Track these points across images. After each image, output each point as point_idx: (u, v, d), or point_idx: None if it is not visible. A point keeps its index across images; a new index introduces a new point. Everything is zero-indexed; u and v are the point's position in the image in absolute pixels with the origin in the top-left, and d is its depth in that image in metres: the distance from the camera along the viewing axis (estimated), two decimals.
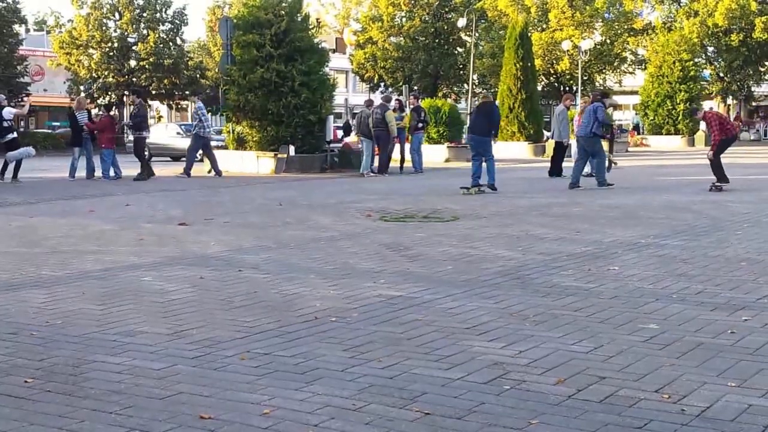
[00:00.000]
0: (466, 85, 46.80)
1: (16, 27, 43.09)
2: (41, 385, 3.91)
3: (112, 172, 18.36)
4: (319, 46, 22.05)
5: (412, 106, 21.76)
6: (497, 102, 31.88)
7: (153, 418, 3.46)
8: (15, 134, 17.93)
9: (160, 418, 3.46)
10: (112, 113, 19.83)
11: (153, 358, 4.34)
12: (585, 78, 43.52)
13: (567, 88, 46.52)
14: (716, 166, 14.11)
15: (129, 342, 4.65)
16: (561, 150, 18.30)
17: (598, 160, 14.95)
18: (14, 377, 4.03)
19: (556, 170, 17.94)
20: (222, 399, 3.69)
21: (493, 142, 14.71)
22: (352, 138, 25.94)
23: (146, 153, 19.69)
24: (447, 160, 25.21)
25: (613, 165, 17.17)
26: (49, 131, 41.88)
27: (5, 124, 17.21)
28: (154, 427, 3.36)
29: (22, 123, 47.37)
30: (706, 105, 39.12)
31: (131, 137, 19.34)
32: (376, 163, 19.98)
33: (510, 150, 28.39)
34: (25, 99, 19.35)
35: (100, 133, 18.32)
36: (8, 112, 17.62)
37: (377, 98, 29.71)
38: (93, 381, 3.96)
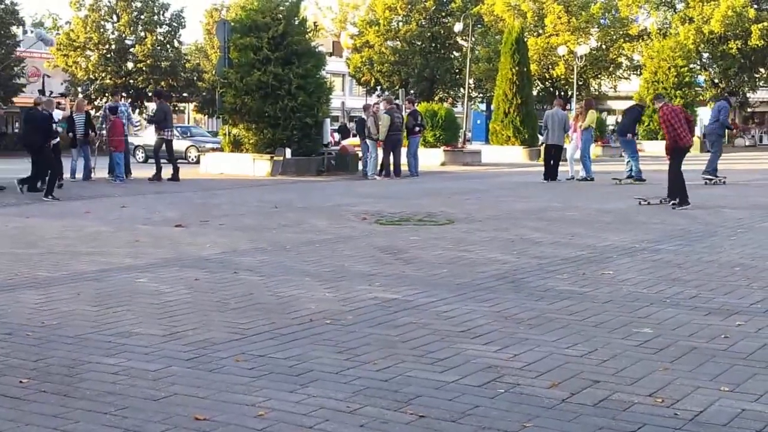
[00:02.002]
0: (462, 90, 46.84)
1: (14, 28, 43.07)
2: (36, 385, 3.91)
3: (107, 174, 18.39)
4: (316, 50, 22.07)
5: (408, 110, 21.81)
6: (492, 107, 32.01)
7: (148, 419, 3.47)
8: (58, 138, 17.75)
9: (155, 419, 3.46)
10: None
11: (148, 359, 4.34)
12: (580, 83, 43.60)
13: (562, 93, 46.65)
14: (676, 178, 12.02)
15: (124, 343, 4.66)
16: (558, 153, 18.28)
17: (713, 154, 16.19)
18: (9, 377, 4.04)
19: (552, 173, 17.93)
20: (217, 400, 3.69)
21: (634, 141, 17.65)
22: (349, 141, 25.99)
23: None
24: (443, 164, 25.23)
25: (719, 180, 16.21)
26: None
27: (55, 126, 16.96)
28: (149, 428, 3.37)
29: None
30: (701, 111, 39.30)
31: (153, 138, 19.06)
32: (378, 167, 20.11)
33: (505, 154, 28.45)
34: (63, 101, 19.17)
35: (112, 136, 18.32)
36: (57, 114, 17.50)
37: (372, 101, 29.75)
38: (88, 382, 3.96)
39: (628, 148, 17.40)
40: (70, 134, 18.30)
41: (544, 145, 18.63)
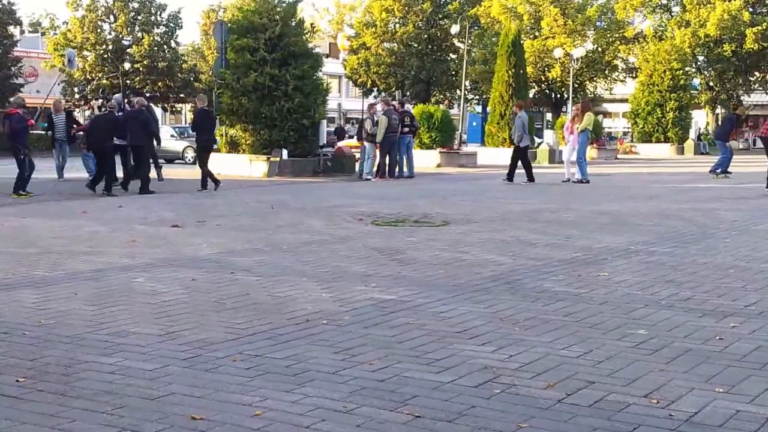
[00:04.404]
0: (458, 91, 46.88)
1: (11, 28, 43.05)
2: (33, 384, 3.92)
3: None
4: (313, 51, 22.09)
5: (399, 111, 21.82)
6: (488, 109, 32.08)
7: (145, 418, 3.47)
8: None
9: (151, 418, 3.47)
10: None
11: (145, 358, 4.35)
12: (576, 85, 43.69)
13: (558, 96, 46.75)
14: None
15: (121, 342, 4.66)
16: (526, 155, 18.45)
17: None
18: (6, 377, 4.04)
19: (529, 174, 18.08)
20: (213, 400, 3.70)
21: (726, 145, 19.71)
22: (345, 142, 25.99)
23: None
24: (438, 166, 25.26)
25: None
26: (42, 132, 41.79)
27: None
28: (146, 427, 3.38)
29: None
30: (696, 114, 39.46)
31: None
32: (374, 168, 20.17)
33: (501, 156, 28.43)
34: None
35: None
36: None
37: (367, 102, 29.75)
38: (85, 381, 3.97)
39: (722, 149, 19.98)
40: (49, 133, 18.46)
41: (523, 147, 18.65)
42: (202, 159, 16.52)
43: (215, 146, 17.89)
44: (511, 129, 20.39)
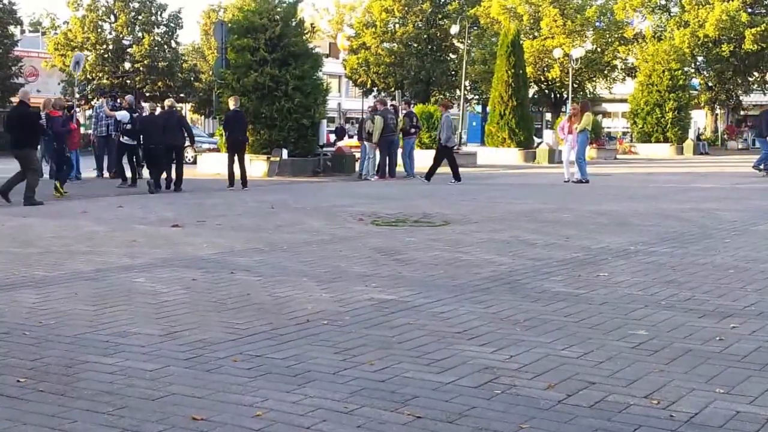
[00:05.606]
0: (458, 91, 46.91)
1: (12, 28, 43.06)
2: (34, 385, 3.92)
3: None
4: (313, 51, 22.10)
5: (404, 111, 21.89)
6: (488, 108, 32.14)
7: (145, 418, 3.47)
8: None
9: (152, 419, 3.47)
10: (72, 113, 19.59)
11: (145, 359, 4.35)
12: (575, 85, 43.68)
13: (557, 96, 46.76)
14: None
15: (121, 343, 4.66)
16: (452, 154, 18.68)
17: None
18: (7, 377, 4.04)
19: (456, 175, 18.25)
20: (214, 400, 3.70)
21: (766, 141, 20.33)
22: (345, 142, 25.99)
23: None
24: None
25: None
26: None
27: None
28: (147, 428, 3.38)
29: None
30: (695, 114, 39.44)
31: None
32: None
33: (500, 156, 28.52)
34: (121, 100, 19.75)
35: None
36: (123, 114, 17.89)
37: (368, 102, 29.79)
38: (85, 381, 3.97)
39: (763, 146, 20.64)
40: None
41: (450, 147, 18.75)
42: (230, 156, 16.71)
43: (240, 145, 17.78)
44: (438, 129, 19.94)
